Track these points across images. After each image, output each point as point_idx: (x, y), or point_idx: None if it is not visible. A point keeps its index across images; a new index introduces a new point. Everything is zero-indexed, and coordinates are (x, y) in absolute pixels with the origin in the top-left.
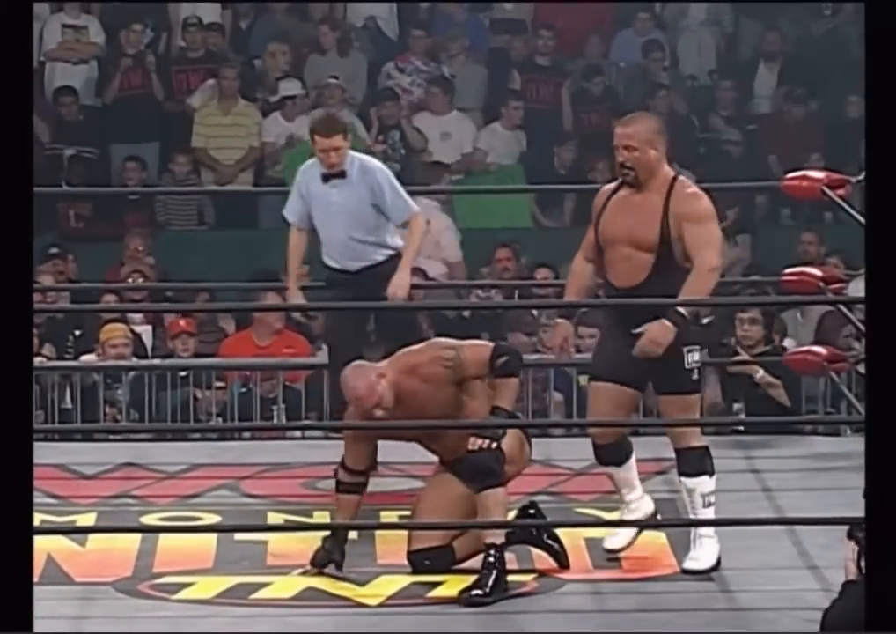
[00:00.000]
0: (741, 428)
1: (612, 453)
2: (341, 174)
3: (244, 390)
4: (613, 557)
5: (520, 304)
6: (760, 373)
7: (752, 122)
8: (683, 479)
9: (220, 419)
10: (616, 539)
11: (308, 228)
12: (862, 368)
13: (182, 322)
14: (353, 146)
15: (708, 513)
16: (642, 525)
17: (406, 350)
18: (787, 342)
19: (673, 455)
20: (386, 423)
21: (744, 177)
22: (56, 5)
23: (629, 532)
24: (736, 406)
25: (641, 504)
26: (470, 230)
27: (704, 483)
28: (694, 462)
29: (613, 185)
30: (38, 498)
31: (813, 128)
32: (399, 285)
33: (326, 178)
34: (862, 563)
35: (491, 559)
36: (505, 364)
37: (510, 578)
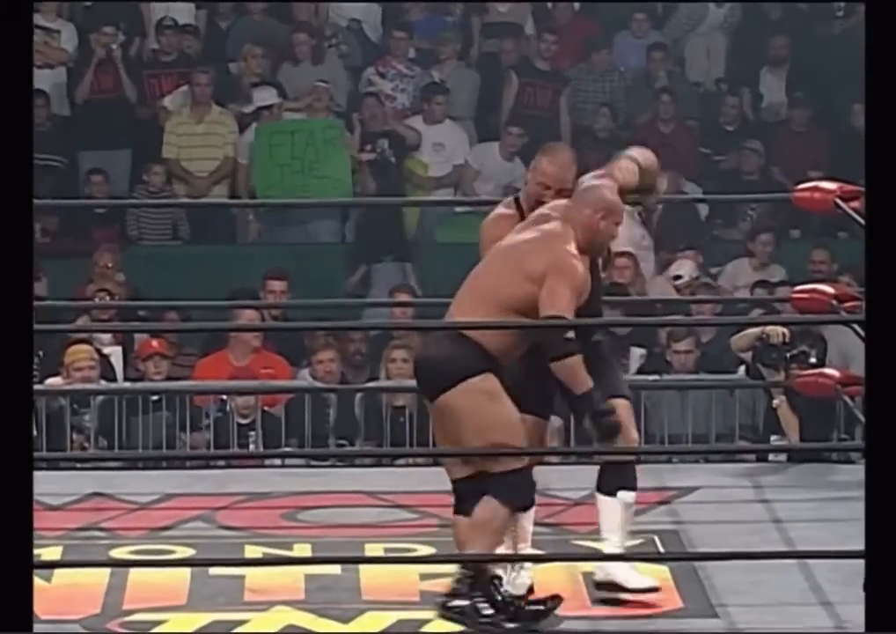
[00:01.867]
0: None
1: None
2: None
3: (219, 414)
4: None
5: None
6: (777, 401)
7: (760, 131)
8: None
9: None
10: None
11: None
12: None
13: (154, 343)
14: (338, 155)
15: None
16: (643, 559)
17: None
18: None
19: (678, 484)
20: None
21: (756, 190)
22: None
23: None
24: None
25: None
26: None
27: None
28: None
29: None
30: None
31: (822, 137)
32: None
33: None
34: None
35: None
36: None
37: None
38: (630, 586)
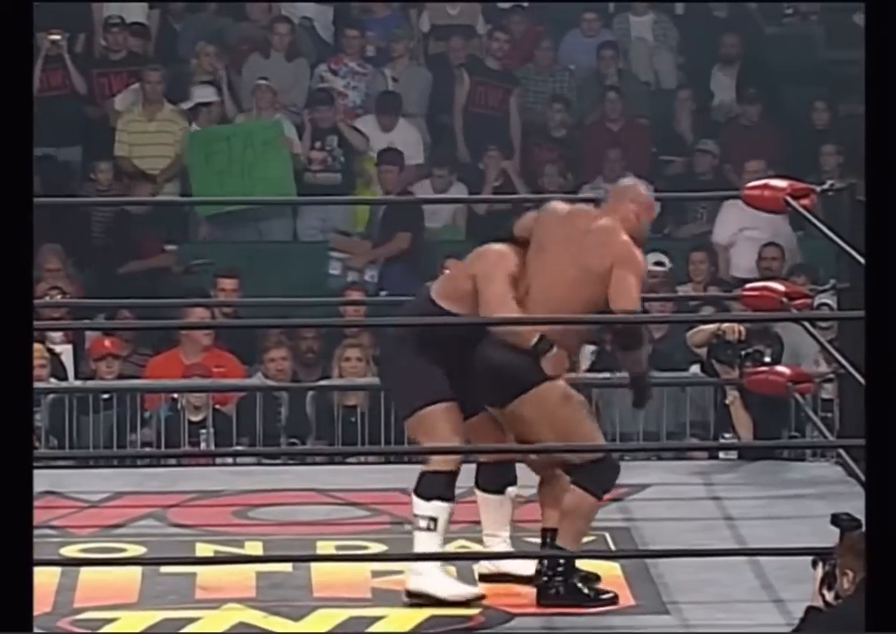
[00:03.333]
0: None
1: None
2: None
3: (171, 413)
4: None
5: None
6: (731, 397)
7: (712, 130)
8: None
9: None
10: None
11: None
12: (827, 391)
13: (107, 342)
14: (277, 155)
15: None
16: (595, 555)
17: None
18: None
19: (630, 482)
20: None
21: (708, 187)
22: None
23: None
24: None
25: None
26: None
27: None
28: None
29: None
30: None
31: (774, 135)
32: None
33: None
34: (825, 591)
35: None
36: None
37: (453, 612)
38: (442, 595)
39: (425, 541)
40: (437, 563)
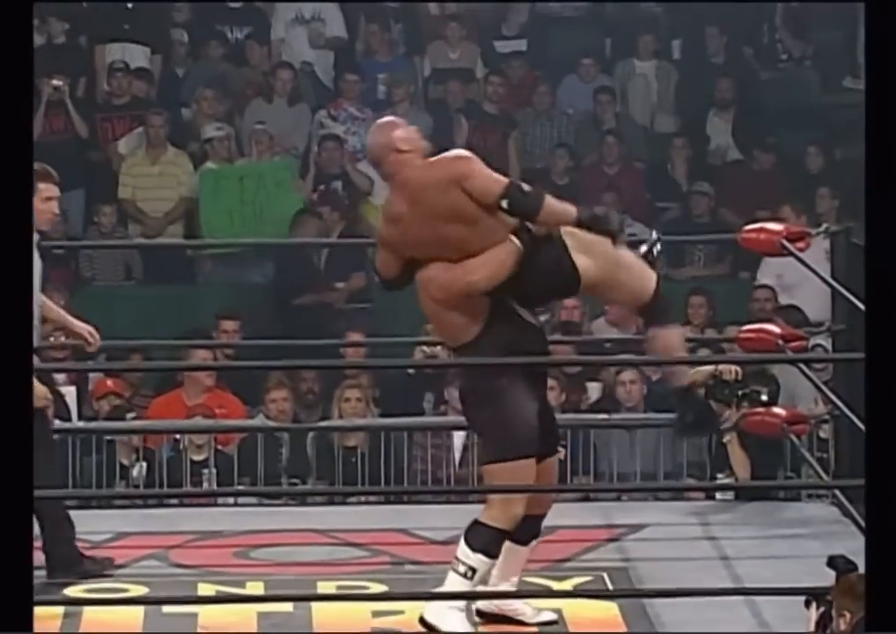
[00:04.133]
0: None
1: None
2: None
3: (173, 453)
4: (560, 629)
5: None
6: (728, 436)
7: (708, 173)
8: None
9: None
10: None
11: None
12: (823, 431)
13: (109, 382)
14: (289, 197)
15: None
16: (592, 595)
17: None
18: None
19: (627, 522)
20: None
21: (704, 230)
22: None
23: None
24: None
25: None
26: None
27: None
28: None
29: None
30: None
31: (770, 178)
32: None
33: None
34: (820, 632)
35: None
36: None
37: None
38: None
39: (457, 586)
40: (460, 605)
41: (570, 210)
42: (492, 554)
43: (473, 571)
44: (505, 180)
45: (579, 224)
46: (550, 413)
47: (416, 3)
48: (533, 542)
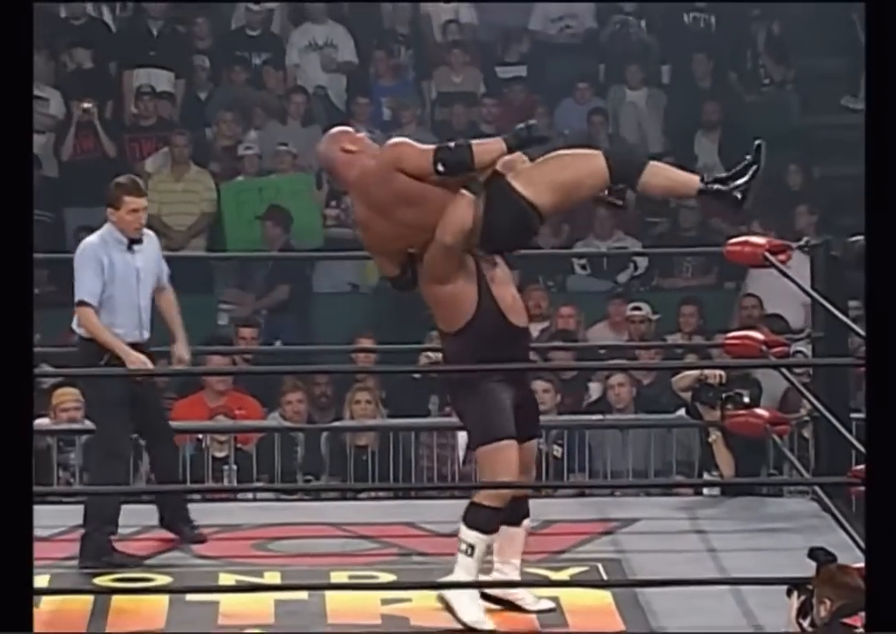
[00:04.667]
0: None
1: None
2: (140, 240)
3: (195, 452)
4: (558, 616)
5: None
6: (713, 436)
7: None
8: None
9: None
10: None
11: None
12: (805, 431)
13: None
14: (310, 206)
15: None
16: (588, 585)
17: None
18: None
19: (620, 516)
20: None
21: (693, 243)
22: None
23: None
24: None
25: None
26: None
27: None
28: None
29: None
30: None
31: (753, 195)
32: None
33: (130, 244)
34: (801, 620)
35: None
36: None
37: None
38: (462, 615)
39: (462, 565)
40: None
41: (498, 141)
42: (488, 530)
43: (472, 547)
44: (431, 147)
45: (510, 148)
46: (532, 402)
47: (424, 30)
48: (526, 521)
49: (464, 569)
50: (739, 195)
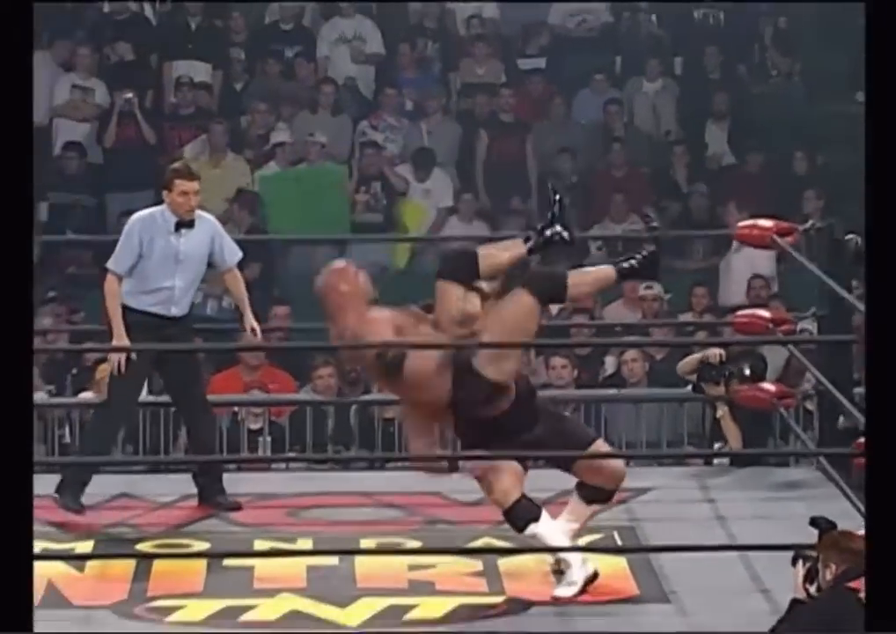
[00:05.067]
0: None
1: None
2: (191, 223)
3: (231, 425)
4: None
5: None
6: (721, 412)
7: (705, 176)
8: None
9: None
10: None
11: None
12: (809, 404)
13: None
14: (340, 197)
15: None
16: (604, 550)
17: None
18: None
19: (634, 485)
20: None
21: (703, 226)
22: (68, 65)
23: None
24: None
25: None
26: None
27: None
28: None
29: None
30: (38, 527)
31: (761, 181)
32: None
33: (178, 227)
34: (808, 585)
35: None
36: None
37: (480, 601)
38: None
39: (549, 538)
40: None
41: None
42: (532, 518)
43: (534, 535)
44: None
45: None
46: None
47: (449, 25)
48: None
49: (553, 538)
50: (566, 235)
